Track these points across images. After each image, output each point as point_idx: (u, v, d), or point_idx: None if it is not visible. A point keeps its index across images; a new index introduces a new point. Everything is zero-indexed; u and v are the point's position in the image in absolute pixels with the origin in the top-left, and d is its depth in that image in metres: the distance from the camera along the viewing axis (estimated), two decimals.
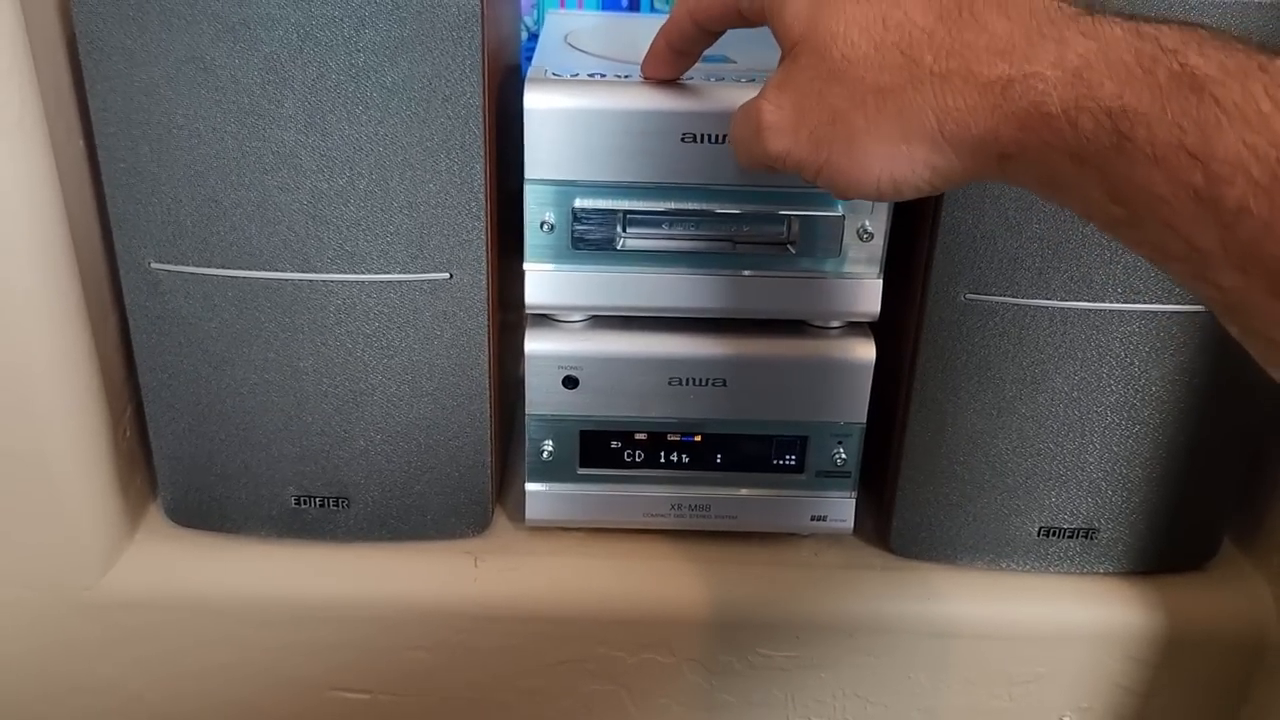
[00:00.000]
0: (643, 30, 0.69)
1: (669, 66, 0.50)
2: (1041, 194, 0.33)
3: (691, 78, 0.54)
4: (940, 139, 0.33)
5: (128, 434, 0.62)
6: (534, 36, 0.86)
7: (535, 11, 0.86)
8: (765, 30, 0.42)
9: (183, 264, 0.55)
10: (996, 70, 0.31)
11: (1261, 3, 0.48)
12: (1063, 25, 0.31)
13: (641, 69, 0.53)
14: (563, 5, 0.85)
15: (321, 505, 0.61)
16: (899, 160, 0.34)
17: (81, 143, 0.55)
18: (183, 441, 0.59)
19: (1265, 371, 0.30)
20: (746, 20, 0.43)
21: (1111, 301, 0.54)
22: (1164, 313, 0.54)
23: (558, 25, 0.70)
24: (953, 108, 0.32)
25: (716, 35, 0.47)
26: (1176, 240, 0.28)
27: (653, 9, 0.85)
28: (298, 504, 0.61)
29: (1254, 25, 0.49)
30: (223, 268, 0.55)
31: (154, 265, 0.55)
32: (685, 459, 0.62)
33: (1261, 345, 0.28)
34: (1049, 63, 0.30)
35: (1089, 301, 0.54)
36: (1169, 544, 0.61)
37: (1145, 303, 0.54)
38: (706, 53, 0.59)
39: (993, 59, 0.31)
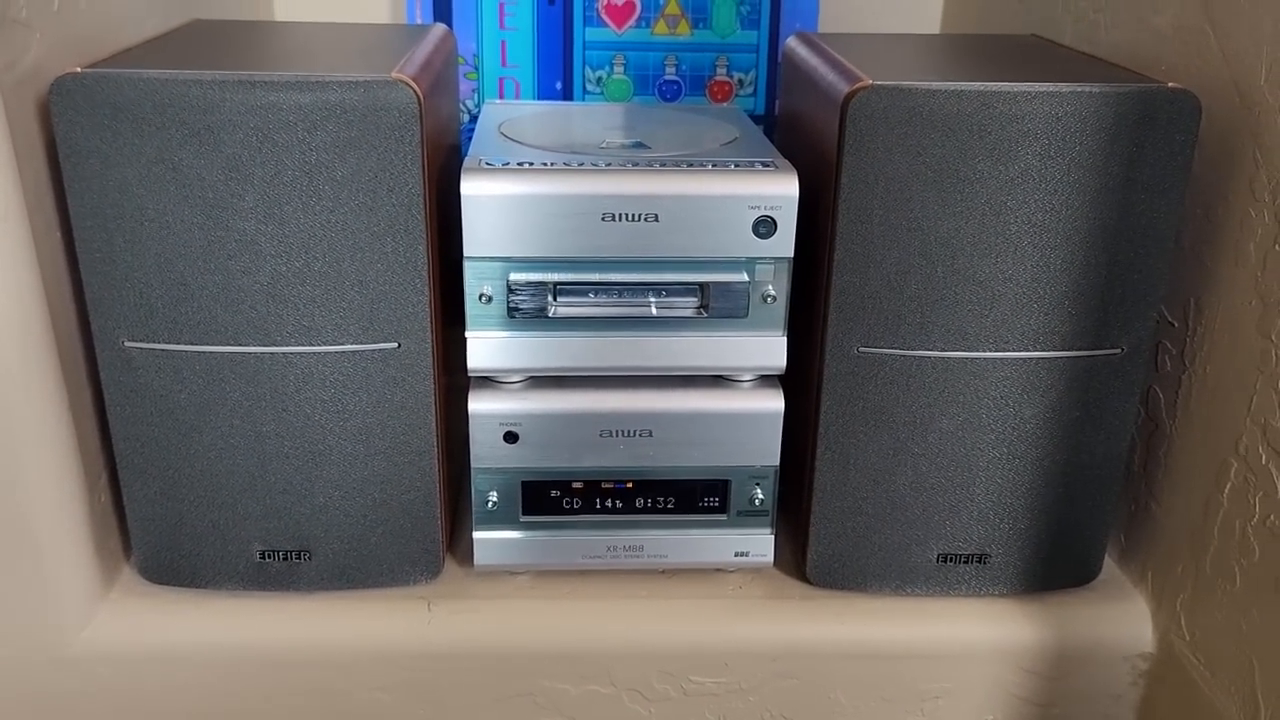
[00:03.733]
0: (571, 119, 0.76)
1: None
2: None
3: (610, 164, 0.61)
4: None
5: (103, 498, 0.67)
6: (474, 118, 0.92)
7: (475, 96, 0.93)
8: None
9: (154, 341, 0.60)
10: None
11: (1091, 93, 0.56)
12: None
13: None
14: (501, 95, 0.92)
15: (285, 559, 0.66)
16: None
17: (59, 234, 0.61)
18: (154, 504, 0.64)
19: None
20: None
21: (985, 350, 0.61)
22: (1031, 359, 0.62)
23: (493, 115, 0.76)
24: None
25: None
26: None
27: (584, 95, 0.92)
28: (263, 558, 0.66)
29: (1088, 112, 0.56)
30: (191, 344, 0.60)
31: (127, 343, 0.60)
32: (618, 504, 0.67)
33: None
34: None
35: (965, 351, 0.61)
36: (1055, 565, 0.68)
37: (1014, 350, 0.61)
38: (622, 140, 0.66)
39: None
